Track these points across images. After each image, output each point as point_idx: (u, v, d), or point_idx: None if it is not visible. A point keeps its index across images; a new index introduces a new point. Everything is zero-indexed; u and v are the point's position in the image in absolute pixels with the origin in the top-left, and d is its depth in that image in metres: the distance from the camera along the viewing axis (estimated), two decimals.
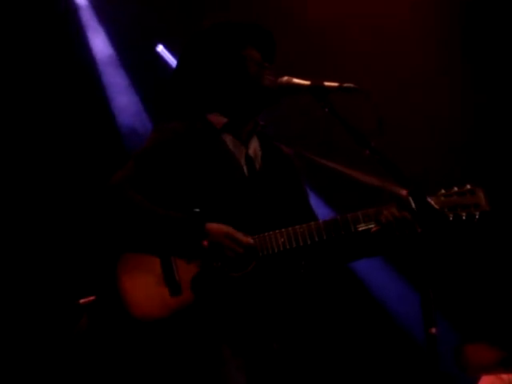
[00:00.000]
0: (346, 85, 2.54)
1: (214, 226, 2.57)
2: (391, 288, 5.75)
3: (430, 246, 2.32)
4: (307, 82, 2.60)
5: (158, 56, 5.98)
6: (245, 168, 2.78)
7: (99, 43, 5.91)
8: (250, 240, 2.60)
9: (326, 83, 2.56)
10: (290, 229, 2.63)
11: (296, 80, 2.65)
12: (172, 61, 5.87)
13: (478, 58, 5.36)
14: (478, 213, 2.60)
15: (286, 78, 2.67)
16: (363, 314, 5.75)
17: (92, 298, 2.63)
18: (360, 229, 2.65)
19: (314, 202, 5.62)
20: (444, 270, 4.91)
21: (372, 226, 2.66)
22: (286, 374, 2.69)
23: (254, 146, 2.88)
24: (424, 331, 2.22)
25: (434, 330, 2.21)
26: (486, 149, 5.38)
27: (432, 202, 2.45)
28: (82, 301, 2.67)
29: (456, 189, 2.64)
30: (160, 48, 6.03)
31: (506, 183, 5.23)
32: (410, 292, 5.51)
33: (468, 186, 2.65)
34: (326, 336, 5.62)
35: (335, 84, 2.55)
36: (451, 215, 2.61)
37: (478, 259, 5.31)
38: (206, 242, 2.55)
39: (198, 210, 2.62)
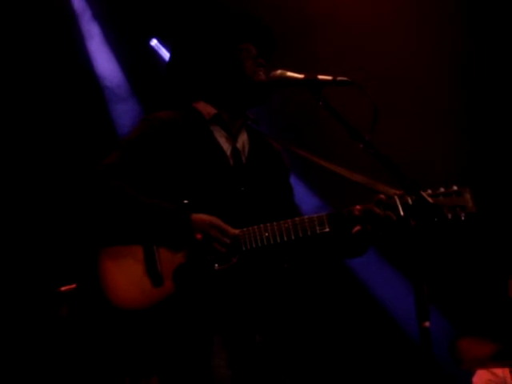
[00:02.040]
0: (339, 78, 2.53)
1: (199, 217, 2.56)
2: (383, 281, 5.76)
3: (423, 239, 2.31)
4: (301, 76, 2.59)
5: (152, 50, 5.99)
6: (231, 160, 2.78)
7: (95, 39, 5.91)
8: (235, 231, 2.59)
9: (320, 76, 2.54)
10: (274, 223, 2.62)
11: (290, 73, 2.63)
12: (166, 55, 5.86)
13: (480, 56, 5.35)
14: (463, 214, 2.59)
15: (279, 71, 2.65)
16: (354, 307, 5.76)
17: (73, 286, 2.62)
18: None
19: (306, 195, 5.69)
20: (438, 264, 4.91)
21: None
22: (268, 367, 2.67)
23: (243, 139, 2.88)
24: (417, 325, 2.22)
25: (427, 324, 2.21)
26: (488, 148, 5.37)
27: (426, 196, 2.44)
28: (62, 288, 2.66)
29: (442, 189, 2.63)
30: (154, 42, 6.02)
31: (507, 182, 5.24)
32: (403, 284, 5.52)
33: (455, 187, 2.63)
34: (312, 331, 5.62)
35: (329, 77, 2.54)
36: (436, 218, 2.58)
37: (472, 253, 5.32)
38: (199, 235, 2.54)
39: (186, 201, 2.61)
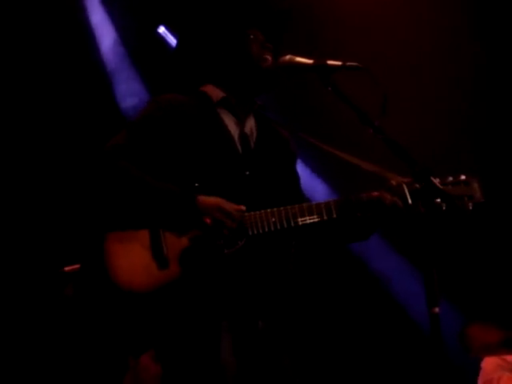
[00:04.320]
0: (349, 63, 2.52)
1: (204, 199, 2.56)
2: (391, 268, 5.75)
3: (433, 225, 2.31)
4: (310, 61, 2.57)
5: (160, 37, 5.98)
6: (238, 145, 2.77)
7: (103, 29, 5.90)
8: (242, 207, 2.58)
9: (330, 62, 2.53)
10: (282, 209, 2.62)
11: (299, 59, 2.62)
12: (173, 42, 5.85)
13: (489, 39, 5.32)
14: (471, 204, 2.61)
15: (288, 57, 2.64)
16: (362, 294, 5.75)
17: (77, 266, 2.61)
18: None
19: (313, 182, 5.67)
20: (446, 251, 4.90)
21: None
22: (271, 352, 2.67)
23: (250, 124, 2.87)
24: (427, 311, 2.22)
25: (437, 310, 2.21)
26: (495, 134, 5.35)
27: (436, 182, 2.43)
28: (66, 268, 2.65)
29: (451, 178, 2.66)
30: (161, 29, 6.01)
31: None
32: (411, 272, 5.52)
33: (463, 177, 2.67)
34: (317, 316, 5.61)
35: (338, 62, 2.52)
36: (444, 205, 2.60)
37: (480, 239, 5.30)
38: (208, 220, 2.54)
39: (197, 184, 2.61)
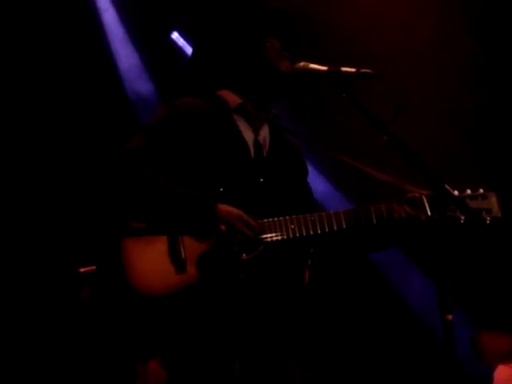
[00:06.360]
0: (363, 70, 2.51)
1: (225, 208, 2.54)
2: (404, 276, 5.73)
3: (446, 232, 2.31)
4: (324, 68, 2.58)
5: (174, 43, 6.01)
6: (252, 152, 2.76)
7: (115, 32, 5.94)
8: (260, 224, 2.58)
9: (343, 69, 2.53)
10: (300, 216, 2.61)
11: (313, 65, 2.62)
12: (187, 48, 5.88)
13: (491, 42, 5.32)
14: (489, 218, 2.62)
15: (302, 63, 2.64)
16: (373, 301, 5.74)
17: (92, 267, 2.59)
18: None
19: (329, 192, 5.67)
20: (459, 259, 4.88)
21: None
22: (277, 356, 2.65)
23: (265, 132, 2.87)
24: (440, 318, 2.22)
25: (450, 317, 2.20)
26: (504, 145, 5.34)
27: (450, 189, 2.43)
28: (81, 270, 2.63)
29: (469, 192, 2.66)
30: (175, 35, 6.04)
31: None
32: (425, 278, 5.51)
33: (481, 191, 2.67)
34: (327, 325, 5.59)
35: (352, 69, 2.52)
36: (462, 218, 2.61)
37: (494, 247, 5.28)
38: (223, 226, 2.53)
39: (222, 189, 2.61)
